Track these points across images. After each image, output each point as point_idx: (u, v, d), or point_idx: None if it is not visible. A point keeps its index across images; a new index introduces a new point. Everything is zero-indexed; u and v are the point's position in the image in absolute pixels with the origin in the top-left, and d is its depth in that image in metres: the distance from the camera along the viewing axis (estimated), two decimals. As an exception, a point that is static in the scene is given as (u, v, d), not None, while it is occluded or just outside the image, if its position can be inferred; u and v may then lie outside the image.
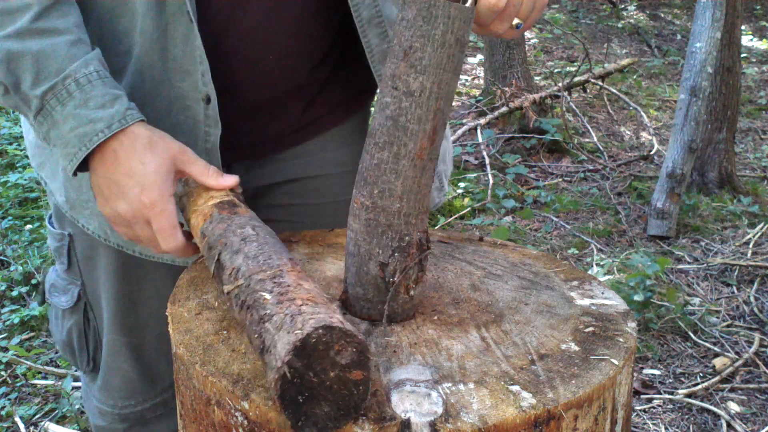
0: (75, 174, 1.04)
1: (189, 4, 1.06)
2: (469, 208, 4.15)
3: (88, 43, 1.04)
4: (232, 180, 1.04)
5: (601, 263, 3.59)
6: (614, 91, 5.89)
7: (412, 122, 0.83)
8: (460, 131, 4.92)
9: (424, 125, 0.83)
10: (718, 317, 3.21)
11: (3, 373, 2.76)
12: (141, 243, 1.05)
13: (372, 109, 1.39)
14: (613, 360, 0.82)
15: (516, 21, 0.96)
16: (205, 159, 1.10)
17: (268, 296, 0.76)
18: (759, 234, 3.92)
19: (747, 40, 8.00)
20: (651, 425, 2.58)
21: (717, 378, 2.79)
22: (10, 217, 3.90)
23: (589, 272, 3.34)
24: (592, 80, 5.79)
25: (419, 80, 0.82)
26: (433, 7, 0.81)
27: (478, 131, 4.91)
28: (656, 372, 2.87)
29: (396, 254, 0.86)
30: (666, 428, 2.57)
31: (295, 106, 1.25)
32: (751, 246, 3.80)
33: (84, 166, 1.03)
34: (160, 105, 1.12)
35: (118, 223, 1.04)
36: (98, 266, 1.27)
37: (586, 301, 0.96)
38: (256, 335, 0.75)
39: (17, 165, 4.52)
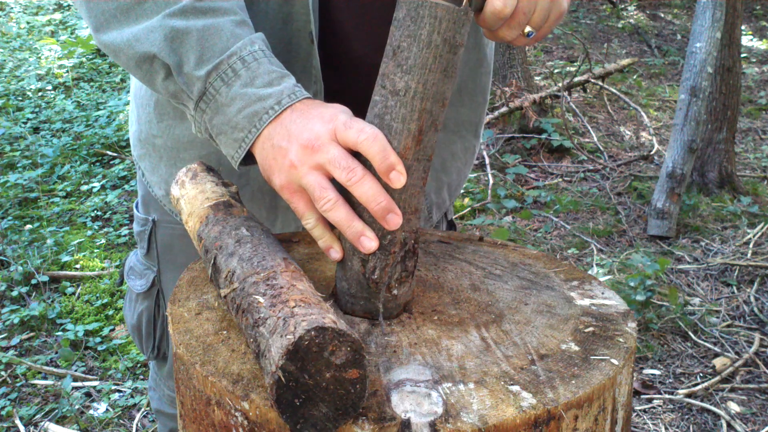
0: (241, 166, 0.97)
1: (313, 24, 1.07)
2: (469, 208, 4.15)
3: (251, 25, 1.01)
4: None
5: (601, 263, 3.59)
6: (614, 91, 5.88)
7: (397, 121, 0.83)
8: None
9: (409, 125, 0.83)
10: (718, 317, 3.21)
11: (3, 373, 2.76)
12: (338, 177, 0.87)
13: None
14: (613, 360, 0.82)
15: (527, 29, 0.95)
16: None
17: (261, 299, 0.76)
18: (759, 234, 3.92)
19: (747, 40, 8.00)
20: (651, 425, 2.58)
21: (717, 378, 2.79)
22: (10, 217, 3.90)
23: (589, 272, 3.34)
24: (592, 80, 5.79)
25: (404, 80, 0.82)
26: (420, 8, 0.81)
27: (478, 131, 4.91)
28: (656, 372, 2.87)
29: (377, 251, 0.86)
30: (666, 428, 2.57)
31: None
32: (751, 246, 3.80)
33: (247, 159, 0.98)
34: None
35: (304, 161, 0.88)
36: (176, 256, 1.28)
37: (586, 301, 0.96)
38: (251, 339, 0.75)
39: (17, 165, 4.53)
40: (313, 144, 0.87)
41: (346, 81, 1.17)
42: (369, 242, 0.85)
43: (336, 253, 0.90)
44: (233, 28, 0.97)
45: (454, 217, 1.49)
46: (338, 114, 0.89)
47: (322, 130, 0.88)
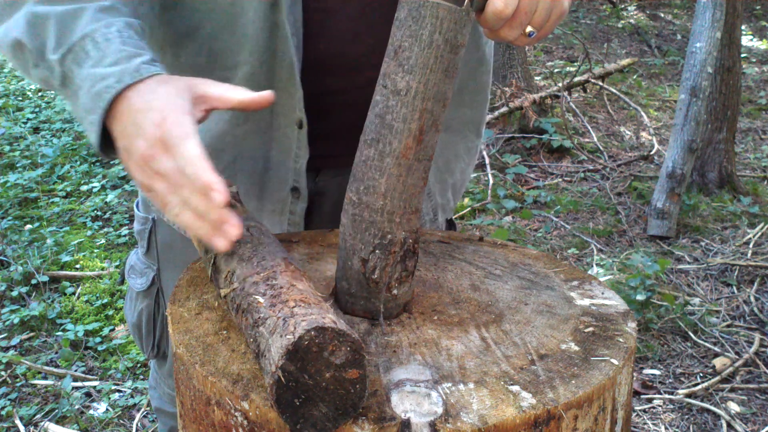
0: (104, 153, 0.93)
1: (289, 32, 1.08)
2: (469, 208, 4.15)
3: (124, 13, 0.97)
4: (266, 96, 0.92)
5: (601, 263, 3.59)
6: (614, 91, 5.88)
7: (398, 121, 0.83)
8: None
9: (410, 124, 0.83)
10: (718, 317, 3.21)
11: (3, 373, 2.76)
12: (169, 191, 0.85)
13: None
14: (613, 360, 0.82)
15: (529, 29, 0.95)
16: (293, 177, 1.16)
17: (261, 299, 0.76)
18: (759, 234, 3.92)
19: (747, 40, 8.00)
20: (651, 425, 2.58)
21: (717, 378, 2.79)
22: (10, 217, 3.90)
23: (589, 272, 3.34)
24: (592, 80, 5.79)
25: (406, 79, 0.82)
26: (422, 7, 0.81)
27: (478, 131, 4.91)
28: (656, 372, 2.87)
29: (377, 251, 0.86)
30: (666, 428, 2.57)
31: None
32: (751, 246, 3.80)
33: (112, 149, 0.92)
34: (261, 120, 1.15)
35: (143, 171, 0.87)
36: (176, 255, 1.28)
37: (586, 301, 0.96)
38: (251, 339, 0.75)
39: (17, 165, 4.53)
40: (150, 151, 0.84)
41: (345, 82, 1.17)
42: (232, 229, 0.82)
43: (231, 232, 0.83)
44: (95, 13, 0.95)
45: (454, 217, 1.49)
46: (167, 117, 0.84)
47: (150, 135, 0.84)
